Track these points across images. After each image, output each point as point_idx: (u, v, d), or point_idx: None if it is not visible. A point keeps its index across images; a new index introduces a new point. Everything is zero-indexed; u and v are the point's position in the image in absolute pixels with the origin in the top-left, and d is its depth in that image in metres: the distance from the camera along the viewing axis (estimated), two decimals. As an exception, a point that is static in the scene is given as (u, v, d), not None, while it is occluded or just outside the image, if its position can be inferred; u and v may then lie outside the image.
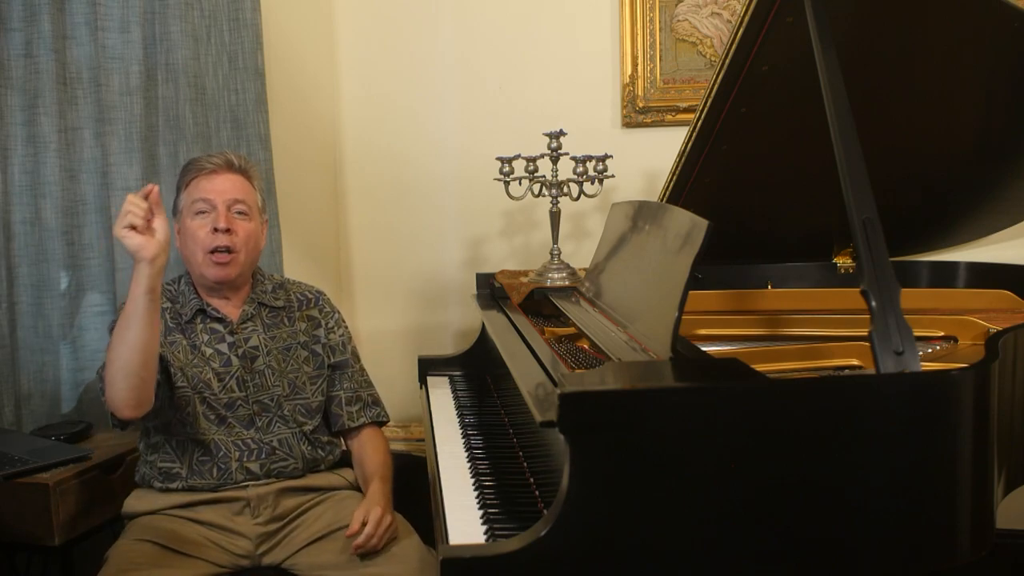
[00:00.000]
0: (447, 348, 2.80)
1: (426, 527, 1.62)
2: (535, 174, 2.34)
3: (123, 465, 2.02)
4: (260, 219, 1.89)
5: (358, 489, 1.91)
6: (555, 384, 1.30)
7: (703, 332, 1.96)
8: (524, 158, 2.33)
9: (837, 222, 1.57)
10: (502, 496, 1.50)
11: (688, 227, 1.47)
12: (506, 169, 2.32)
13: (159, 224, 1.59)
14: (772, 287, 2.31)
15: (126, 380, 1.61)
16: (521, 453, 1.68)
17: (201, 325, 1.84)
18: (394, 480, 1.89)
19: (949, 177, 2.14)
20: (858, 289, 1.33)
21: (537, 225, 2.78)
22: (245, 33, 2.37)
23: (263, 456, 1.81)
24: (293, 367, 1.88)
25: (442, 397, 2.16)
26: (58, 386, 2.21)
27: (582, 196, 2.34)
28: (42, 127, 2.14)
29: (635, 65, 2.69)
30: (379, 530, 1.69)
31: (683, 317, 1.38)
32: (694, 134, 1.97)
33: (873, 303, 1.31)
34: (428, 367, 2.34)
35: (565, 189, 2.34)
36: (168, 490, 1.79)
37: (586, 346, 1.79)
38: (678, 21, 2.67)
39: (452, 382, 2.27)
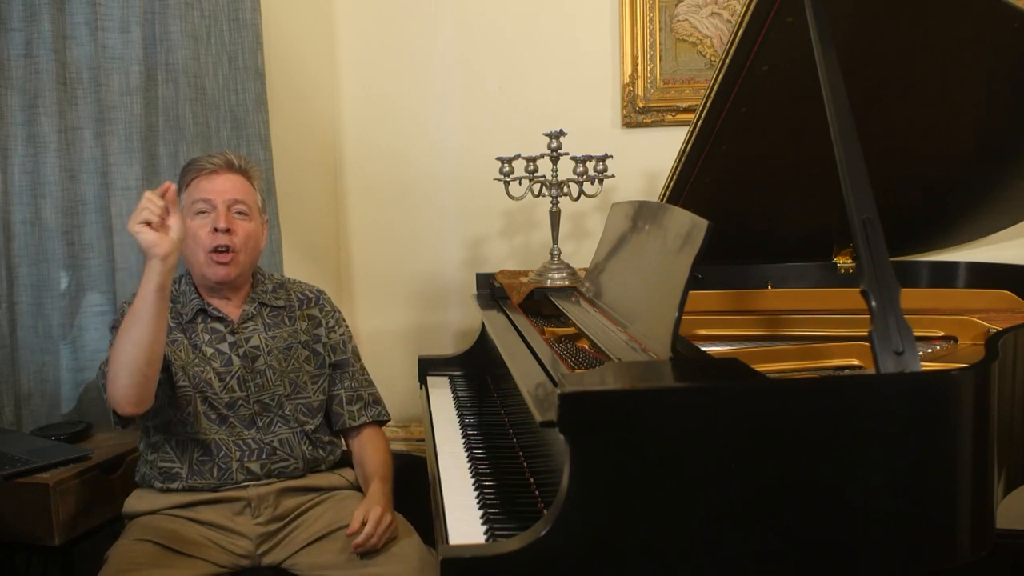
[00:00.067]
0: (447, 348, 2.80)
1: (426, 527, 1.62)
2: (535, 174, 2.34)
3: (123, 465, 2.02)
4: (260, 219, 1.89)
5: (358, 489, 1.91)
6: (555, 384, 1.30)
7: (703, 332, 1.96)
8: (524, 158, 2.33)
9: (837, 222, 1.57)
10: (502, 496, 1.50)
11: (688, 227, 1.47)
12: (506, 169, 2.32)
13: (173, 222, 1.60)
14: (772, 287, 2.31)
15: (130, 377, 1.62)
16: (521, 453, 1.68)
17: (202, 325, 1.84)
18: (394, 480, 1.89)
19: (949, 177, 2.14)
20: (858, 289, 1.33)
21: (537, 225, 2.78)
22: (245, 33, 2.37)
23: (264, 456, 1.81)
24: (294, 366, 1.88)
25: (442, 397, 2.16)
26: (58, 386, 2.21)
27: (582, 196, 2.34)
28: (42, 127, 2.14)
29: (635, 65, 2.69)
30: (379, 530, 1.69)
31: (683, 317, 1.38)
32: (694, 134, 1.97)
33: (873, 303, 1.31)
34: (428, 367, 2.34)
35: (565, 189, 2.34)
36: (168, 490, 1.79)
37: (586, 346, 1.79)
38: (678, 21, 2.67)
39: (452, 382, 2.27)
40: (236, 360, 1.82)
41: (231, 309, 1.88)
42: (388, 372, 2.56)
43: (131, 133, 2.22)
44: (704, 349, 1.58)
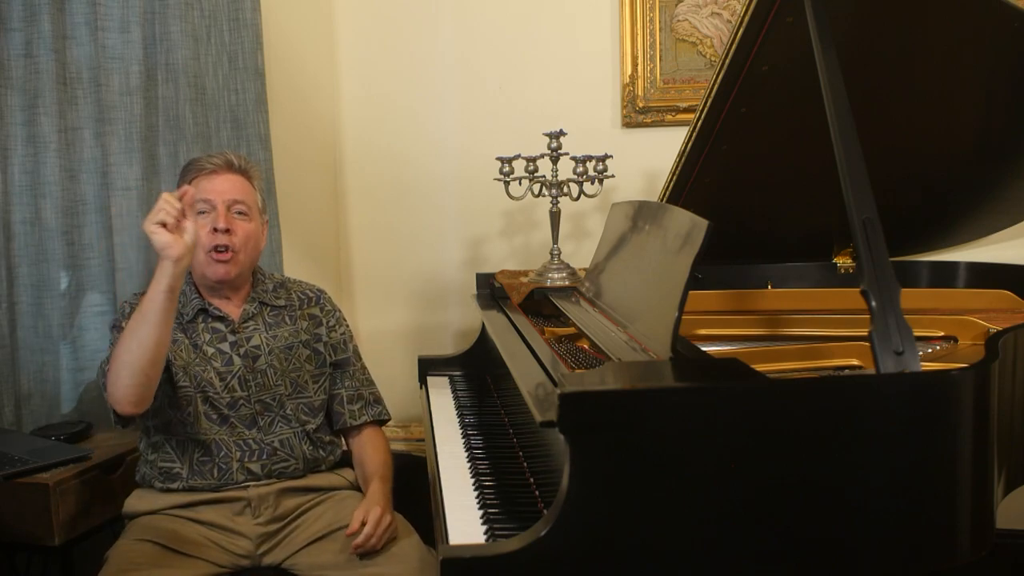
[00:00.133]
0: (447, 348, 2.80)
1: (426, 527, 1.62)
2: (535, 174, 2.34)
3: (123, 465, 2.02)
4: (260, 219, 1.89)
5: (358, 489, 1.91)
6: (555, 384, 1.30)
7: (703, 332, 1.96)
8: (524, 158, 2.33)
9: (837, 222, 1.57)
10: (502, 496, 1.50)
11: (688, 227, 1.47)
12: (506, 169, 2.32)
13: (188, 226, 1.61)
14: (772, 287, 2.31)
15: (132, 377, 1.62)
16: (521, 453, 1.68)
17: (203, 324, 1.84)
18: (394, 480, 1.89)
19: (949, 177, 2.14)
20: (858, 289, 1.33)
21: (537, 225, 2.78)
22: (245, 33, 2.37)
23: (264, 456, 1.81)
24: (295, 366, 1.88)
25: (442, 397, 2.16)
26: (58, 386, 2.21)
27: (582, 196, 2.34)
28: (42, 127, 2.14)
29: (635, 65, 2.69)
30: (379, 530, 1.69)
31: (683, 317, 1.38)
32: (694, 134, 1.97)
33: (873, 303, 1.31)
34: (428, 367, 2.34)
35: (565, 189, 2.34)
36: (169, 490, 1.79)
37: (586, 346, 1.79)
38: (678, 21, 2.67)
39: (452, 382, 2.27)
40: (237, 360, 1.82)
41: (232, 309, 1.88)
42: (388, 372, 2.56)
43: (131, 133, 2.22)
44: (704, 349, 1.58)
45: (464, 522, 1.41)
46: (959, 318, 1.87)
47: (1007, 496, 1.47)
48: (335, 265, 2.88)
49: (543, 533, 1.15)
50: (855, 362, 1.66)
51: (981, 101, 1.99)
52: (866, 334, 1.31)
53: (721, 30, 2.66)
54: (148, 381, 1.64)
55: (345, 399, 1.95)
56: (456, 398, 2.14)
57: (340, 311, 2.01)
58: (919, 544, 1.23)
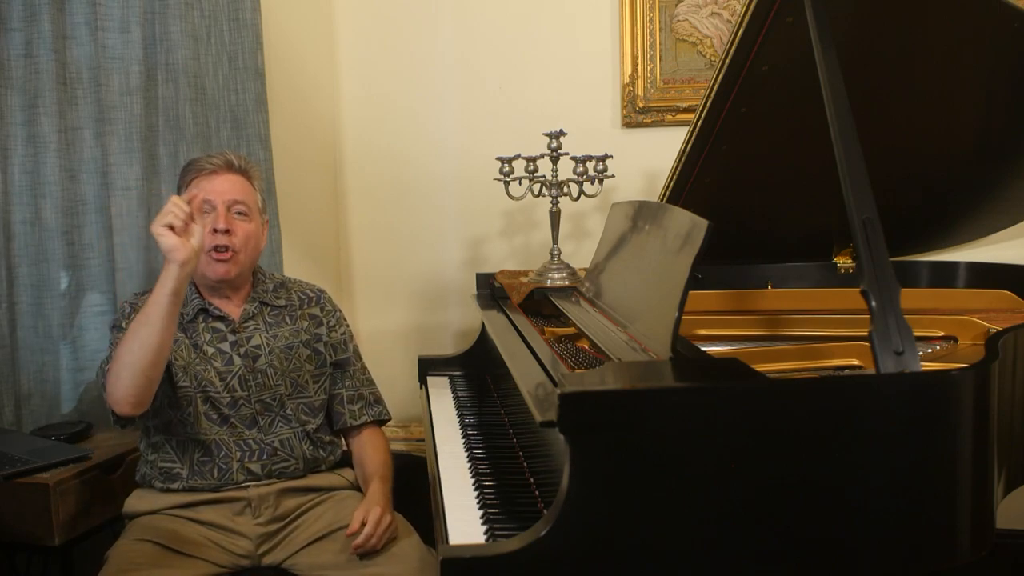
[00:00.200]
0: (447, 348, 2.80)
1: (426, 527, 1.62)
2: (535, 174, 2.34)
3: (123, 465, 2.02)
4: (260, 219, 1.89)
5: (358, 489, 1.91)
6: (555, 384, 1.30)
7: (703, 332, 1.96)
8: (524, 158, 2.33)
9: (837, 222, 1.57)
10: (502, 496, 1.50)
11: (688, 227, 1.47)
12: (506, 169, 2.32)
13: (196, 230, 1.62)
14: (772, 287, 2.31)
15: (132, 378, 1.62)
16: (521, 453, 1.68)
17: (203, 324, 1.84)
18: (394, 480, 1.89)
19: (949, 177, 2.14)
20: (858, 289, 1.33)
21: (537, 225, 2.78)
22: (245, 33, 2.37)
23: (264, 457, 1.81)
24: (295, 366, 1.88)
25: (442, 397, 2.16)
26: (58, 386, 2.21)
27: (582, 196, 2.34)
28: (42, 127, 2.14)
29: (635, 65, 2.69)
30: (379, 530, 1.69)
31: (683, 317, 1.38)
32: (694, 134, 1.97)
33: (873, 303, 1.31)
34: (428, 367, 2.34)
35: (565, 189, 2.34)
36: (169, 490, 1.79)
37: (586, 346, 1.79)
38: (678, 21, 2.67)
39: (452, 382, 2.27)
40: (237, 360, 1.82)
41: (232, 308, 1.88)
42: (388, 372, 2.56)
43: (131, 133, 2.22)
44: (704, 349, 1.58)
45: (464, 522, 1.41)
46: (959, 318, 1.88)
47: (1007, 496, 1.47)
48: (335, 265, 2.88)
49: (543, 533, 1.15)
50: (855, 362, 1.66)
51: (981, 101, 1.99)
52: (866, 334, 1.30)
53: (721, 30, 2.66)
54: (148, 383, 1.64)
55: (345, 399, 1.95)
56: (456, 398, 2.14)
57: (340, 311, 2.01)
58: (919, 544, 1.23)
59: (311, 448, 1.87)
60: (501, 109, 2.76)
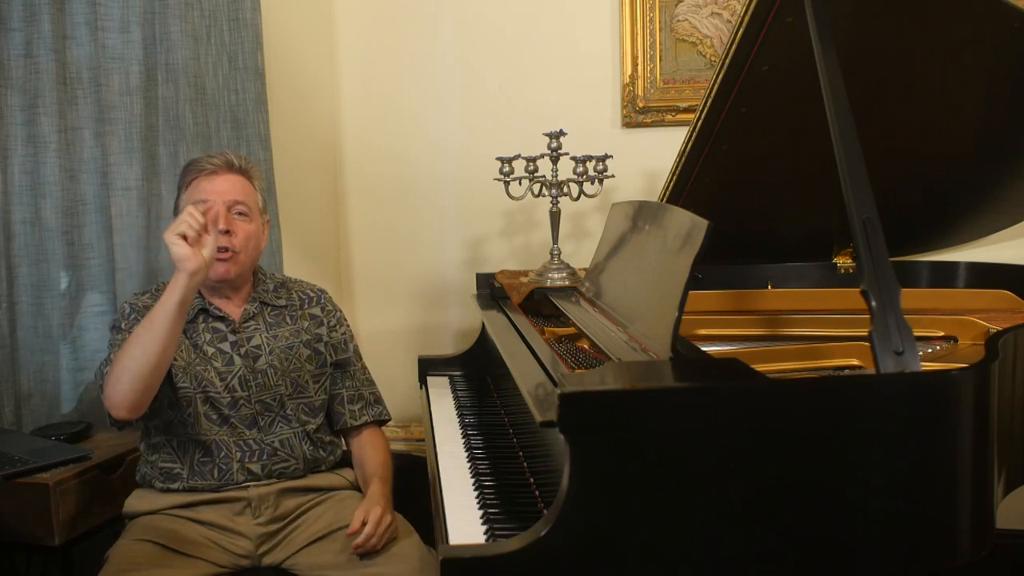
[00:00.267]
0: (447, 348, 2.80)
1: (426, 527, 1.62)
2: (535, 174, 2.34)
3: (123, 465, 2.02)
4: (261, 219, 1.89)
5: (358, 489, 1.91)
6: (555, 384, 1.30)
7: (703, 332, 1.96)
8: (524, 158, 2.33)
9: (837, 222, 1.57)
10: (502, 496, 1.50)
11: (688, 227, 1.47)
12: (506, 169, 2.32)
13: (209, 242, 1.63)
14: (772, 287, 2.31)
15: (131, 383, 1.62)
16: (521, 453, 1.68)
17: (203, 324, 1.84)
18: (394, 480, 1.89)
19: (949, 177, 2.14)
20: (858, 289, 1.33)
21: (537, 225, 2.78)
22: (245, 33, 2.37)
23: (264, 457, 1.81)
24: (296, 366, 1.88)
25: (442, 397, 2.16)
26: (58, 386, 2.21)
27: (582, 196, 2.34)
28: (42, 127, 2.14)
29: (635, 65, 2.69)
30: (379, 530, 1.69)
31: (683, 317, 1.38)
32: (694, 134, 1.97)
33: (873, 303, 1.31)
34: (428, 367, 2.34)
35: (565, 189, 2.34)
36: (169, 490, 1.79)
37: (586, 346, 1.79)
38: (678, 21, 2.67)
39: (452, 382, 2.27)
40: (238, 360, 1.82)
41: (232, 309, 1.88)
42: (388, 372, 2.56)
43: (131, 133, 2.22)
44: (704, 349, 1.58)
45: (464, 522, 1.41)
46: (959, 318, 1.88)
47: (1007, 496, 1.47)
48: (335, 265, 2.88)
49: (543, 533, 1.15)
50: (855, 362, 1.66)
51: (981, 101, 1.99)
52: (866, 334, 1.30)
53: (721, 30, 2.66)
54: (147, 389, 1.64)
55: (346, 399, 1.95)
56: (456, 398, 2.14)
57: (341, 311, 2.01)
58: (919, 544, 1.23)
59: (311, 448, 1.87)
60: (501, 109, 2.76)
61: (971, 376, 1.27)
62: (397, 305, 2.89)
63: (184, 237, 1.60)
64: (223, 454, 1.79)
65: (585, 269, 2.15)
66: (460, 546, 1.27)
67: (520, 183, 2.34)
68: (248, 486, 1.79)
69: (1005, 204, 2.26)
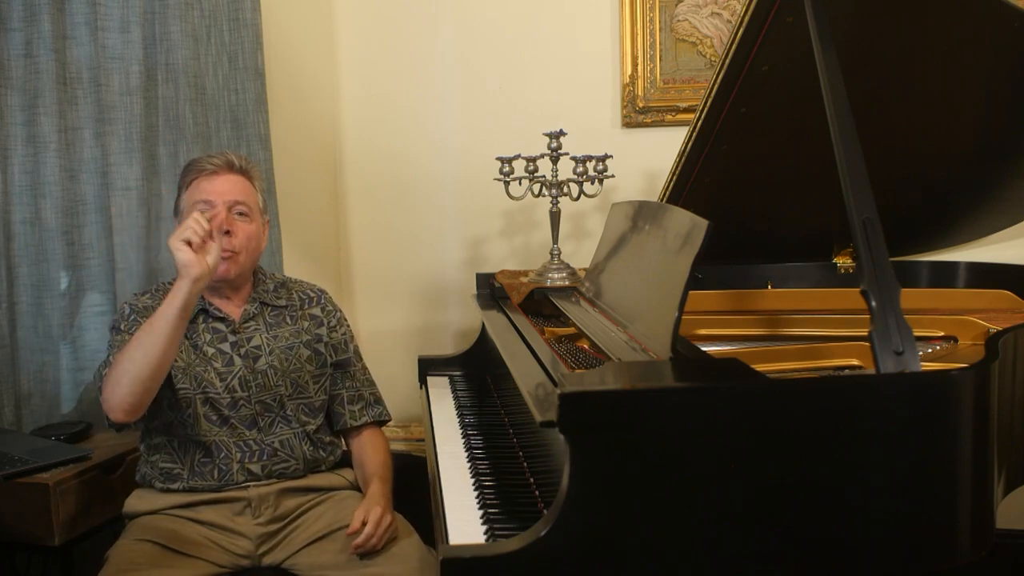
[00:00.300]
0: (447, 348, 2.80)
1: (426, 527, 1.62)
2: (535, 174, 2.34)
3: (123, 465, 2.02)
4: (261, 219, 1.89)
5: (358, 489, 1.91)
6: (555, 384, 1.30)
7: (703, 332, 1.96)
8: (524, 158, 2.33)
9: (837, 222, 1.57)
10: (502, 496, 1.50)
11: (688, 227, 1.47)
12: (506, 169, 2.32)
13: (213, 249, 1.64)
14: (772, 287, 2.31)
15: (131, 386, 1.62)
16: (521, 453, 1.68)
17: (203, 325, 1.84)
18: (394, 480, 1.89)
19: (949, 177, 2.14)
20: (858, 289, 1.33)
21: (537, 225, 2.78)
22: (245, 33, 2.37)
23: (264, 457, 1.81)
24: (296, 366, 1.88)
25: (442, 397, 2.16)
26: (58, 386, 2.21)
27: (582, 196, 2.34)
28: (42, 127, 2.14)
29: (635, 65, 2.69)
30: (379, 530, 1.69)
31: (683, 317, 1.38)
32: (694, 134, 1.97)
33: (873, 303, 1.31)
34: (428, 367, 2.34)
35: (565, 189, 2.34)
36: (169, 490, 1.79)
37: (586, 346, 1.79)
38: (678, 21, 2.67)
39: (452, 382, 2.27)
40: (238, 360, 1.82)
41: (232, 309, 1.88)
42: (388, 372, 2.56)
43: (131, 133, 2.22)
44: (704, 349, 1.58)
45: (464, 522, 1.41)
46: (959, 318, 1.88)
47: (1007, 496, 1.47)
48: (335, 265, 2.88)
49: (543, 533, 1.15)
50: (855, 362, 1.66)
51: (981, 101, 1.99)
52: (866, 334, 1.30)
53: (721, 30, 2.66)
54: (146, 392, 1.64)
55: (346, 399, 1.95)
56: (456, 398, 2.14)
57: (341, 311, 2.01)
58: (919, 544, 1.23)
59: (311, 448, 1.87)
60: (501, 109, 2.76)
61: (971, 376, 1.27)
62: (397, 305, 2.89)
63: (189, 243, 1.60)
64: (223, 454, 1.79)
65: (585, 269, 2.15)
66: (460, 546, 1.28)
67: (520, 183, 2.34)
68: (248, 486, 1.79)
69: (1005, 204, 2.26)
